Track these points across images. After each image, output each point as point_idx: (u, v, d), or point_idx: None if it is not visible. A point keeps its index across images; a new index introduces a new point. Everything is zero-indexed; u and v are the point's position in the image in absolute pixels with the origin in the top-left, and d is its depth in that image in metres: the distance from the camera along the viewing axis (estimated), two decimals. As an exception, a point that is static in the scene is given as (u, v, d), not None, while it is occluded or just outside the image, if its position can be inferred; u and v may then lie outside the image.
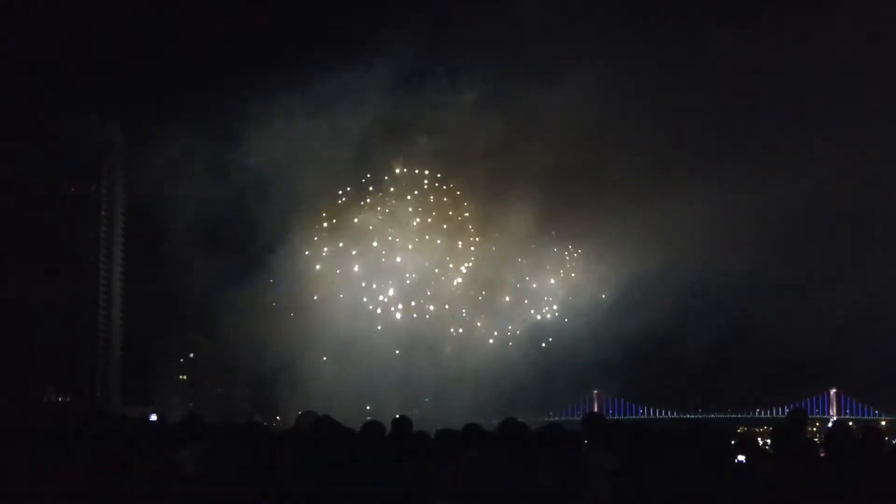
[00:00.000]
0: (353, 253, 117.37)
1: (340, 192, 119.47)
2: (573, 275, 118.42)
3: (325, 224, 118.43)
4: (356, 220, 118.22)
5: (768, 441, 16.67)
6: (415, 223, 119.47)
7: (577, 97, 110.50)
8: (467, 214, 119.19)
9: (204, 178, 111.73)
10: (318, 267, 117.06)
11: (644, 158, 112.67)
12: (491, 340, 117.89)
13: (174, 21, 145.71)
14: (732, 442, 15.24)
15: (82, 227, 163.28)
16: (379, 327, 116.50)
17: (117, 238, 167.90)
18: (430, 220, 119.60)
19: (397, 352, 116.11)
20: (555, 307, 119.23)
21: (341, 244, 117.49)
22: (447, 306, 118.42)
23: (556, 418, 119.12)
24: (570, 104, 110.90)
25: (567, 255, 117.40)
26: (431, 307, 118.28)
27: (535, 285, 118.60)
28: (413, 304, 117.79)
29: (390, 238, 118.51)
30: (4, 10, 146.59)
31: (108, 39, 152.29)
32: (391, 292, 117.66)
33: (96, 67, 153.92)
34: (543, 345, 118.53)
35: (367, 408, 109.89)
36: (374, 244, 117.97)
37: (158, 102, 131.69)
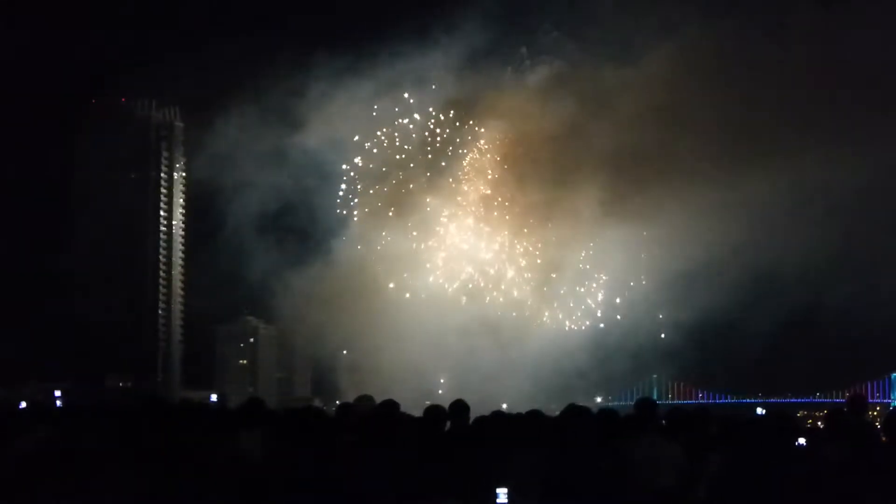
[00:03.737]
0: (416, 235, 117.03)
1: (404, 175, 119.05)
2: (638, 258, 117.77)
3: (388, 207, 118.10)
4: (420, 204, 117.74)
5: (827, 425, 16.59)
6: (480, 207, 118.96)
7: (647, 78, 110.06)
8: (532, 198, 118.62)
9: (264, 162, 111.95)
10: (379, 251, 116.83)
11: (712, 140, 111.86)
12: (550, 323, 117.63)
13: (232, 3, 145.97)
14: (795, 426, 15.16)
15: (143, 214, 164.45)
16: (441, 312, 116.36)
17: (177, 223, 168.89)
18: (495, 203, 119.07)
19: (450, 334, 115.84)
20: (617, 291, 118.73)
21: (404, 228, 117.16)
22: (509, 291, 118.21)
23: (613, 403, 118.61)
24: (640, 86, 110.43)
25: (631, 239, 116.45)
26: (493, 291, 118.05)
27: (597, 269, 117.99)
28: (472, 287, 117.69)
29: (454, 221, 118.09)
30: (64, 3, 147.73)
31: (166, 24, 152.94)
32: (454, 276, 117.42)
33: (155, 53, 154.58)
34: (602, 327, 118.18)
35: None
36: (438, 228, 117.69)
37: (218, 86, 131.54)
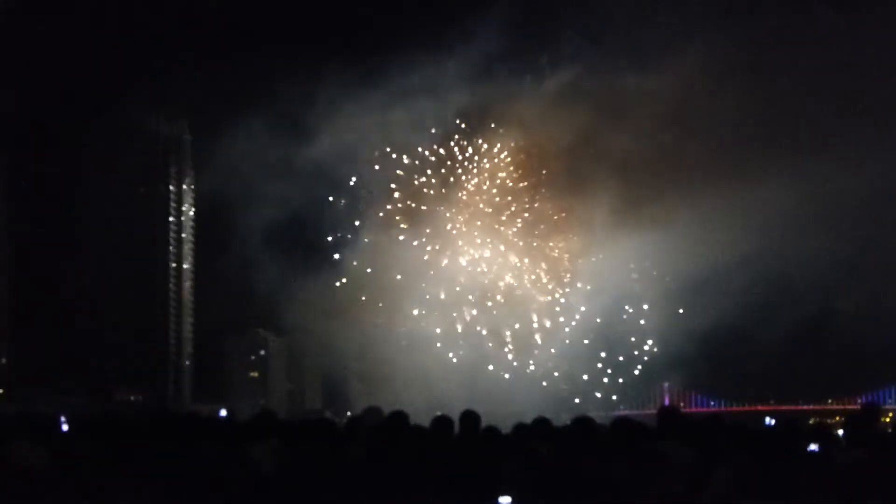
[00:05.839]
0: (427, 246, 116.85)
1: (414, 186, 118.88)
2: (648, 266, 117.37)
3: (397, 219, 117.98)
4: (432, 215, 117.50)
5: (840, 431, 16.55)
6: (493, 217, 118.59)
7: (659, 85, 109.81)
8: (546, 207, 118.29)
9: (274, 175, 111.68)
10: (389, 262, 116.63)
11: (724, 147, 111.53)
12: (560, 334, 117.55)
13: (240, 14, 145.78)
14: (806, 432, 15.11)
15: (152, 227, 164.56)
16: (451, 322, 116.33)
17: (187, 237, 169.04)
18: (508, 213, 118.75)
19: (460, 344, 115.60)
20: (627, 299, 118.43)
21: (415, 239, 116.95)
22: (520, 300, 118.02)
23: (626, 412, 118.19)
24: (653, 92, 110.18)
25: (643, 247, 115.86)
26: (503, 301, 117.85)
27: (609, 278, 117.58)
28: (483, 297, 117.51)
29: (466, 232, 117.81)
30: (71, 12, 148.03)
31: (173, 37, 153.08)
32: (466, 286, 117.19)
33: (162, 66, 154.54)
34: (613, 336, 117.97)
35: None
36: (450, 239, 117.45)
37: (226, 98, 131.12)
